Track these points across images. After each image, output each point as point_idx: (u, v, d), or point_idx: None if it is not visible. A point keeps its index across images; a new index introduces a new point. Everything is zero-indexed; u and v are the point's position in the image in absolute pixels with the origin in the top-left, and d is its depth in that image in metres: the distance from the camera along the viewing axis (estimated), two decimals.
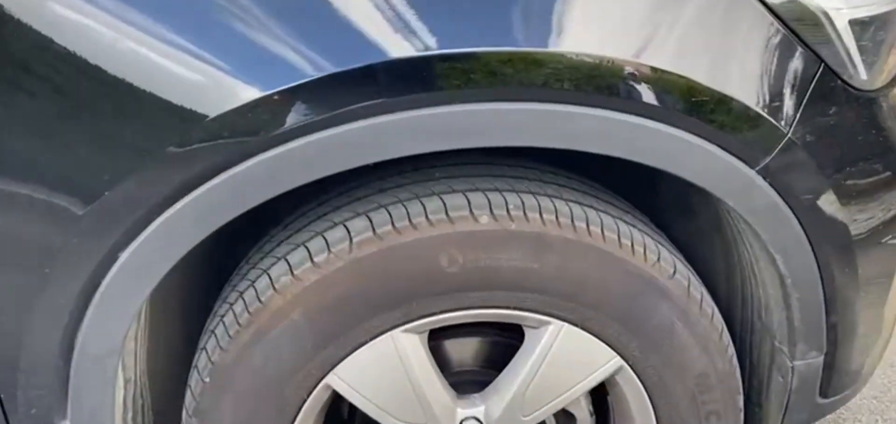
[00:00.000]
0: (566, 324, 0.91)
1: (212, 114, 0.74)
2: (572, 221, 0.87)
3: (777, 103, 0.84)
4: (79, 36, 0.72)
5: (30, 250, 0.78)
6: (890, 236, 0.96)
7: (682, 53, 0.81)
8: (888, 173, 0.94)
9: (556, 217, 0.87)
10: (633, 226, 0.92)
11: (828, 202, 0.89)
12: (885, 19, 0.91)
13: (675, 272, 0.92)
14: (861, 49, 0.89)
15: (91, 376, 0.85)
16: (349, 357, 0.90)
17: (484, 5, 0.78)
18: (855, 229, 0.92)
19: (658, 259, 0.91)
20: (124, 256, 0.79)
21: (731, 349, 0.97)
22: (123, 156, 0.75)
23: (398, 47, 0.75)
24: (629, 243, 0.89)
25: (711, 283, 1.03)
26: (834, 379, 1.02)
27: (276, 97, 0.74)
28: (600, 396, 1.07)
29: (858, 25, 0.88)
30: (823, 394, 1.02)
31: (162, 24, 0.72)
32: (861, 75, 0.89)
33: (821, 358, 0.98)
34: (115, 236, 0.79)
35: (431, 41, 0.75)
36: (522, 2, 0.79)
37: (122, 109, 0.74)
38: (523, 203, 0.87)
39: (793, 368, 0.98)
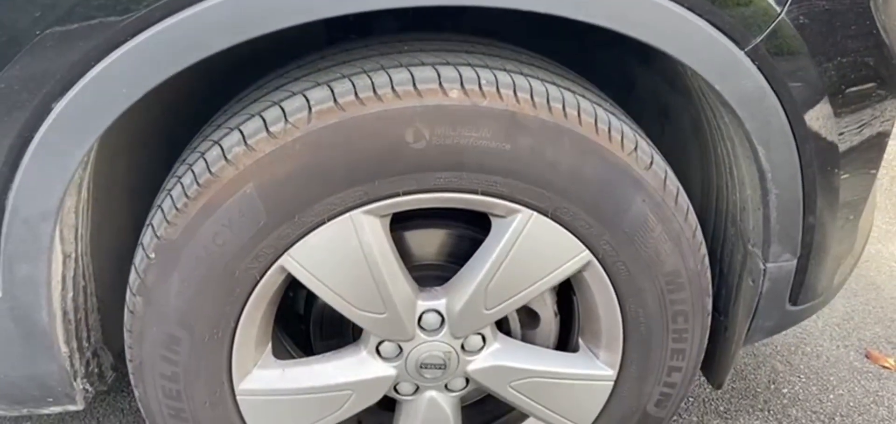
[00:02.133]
0: (536, 213, 0.86)
1: None
2: (547, 101, 0.82)
3: None
4: None
5: None
6: (870, 147, 0.93)
7: None
8: (879, 77, 0.90)
9: (531, 96, 0.82)
10: (611, 113, 0.87)
11: (816, 94, 0.85)
12: None
13: (651, 163, 0.87)
14: None
15: (24, 241, 0.79)
16: (305, 238, 0.84)
17: None
18: (841, 134, 0.88)
19: (635, 148, 0.86)
20: (59, 106, 0.72)
21: (704, 249, 0.94)
22: None
23: None
24: (606, 129, 0.85)
25: (688, 191, 1.00)
26: (805, 287, 0.99)
27: None
28: (566, 297, 1.04)
29: None
30: (793, 301, 1.00)
31: None
32: None
33: (794, 262, 0.96)
34: (48, 85, 0.71)
35: None
36: None
37: None
38: (497, 79, 0.81)
39: (765, 270, 0.95)
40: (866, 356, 1.52)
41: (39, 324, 0.85)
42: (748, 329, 1.02)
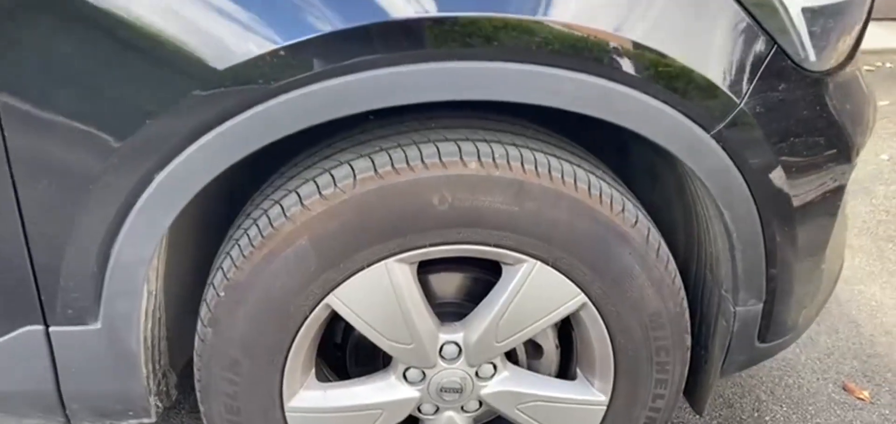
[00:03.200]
0: (539, 262, 1.04)
1: (245, 57, 0.85)
2: (549, 171, 1.00)
3: (732, 77, 0.96)
4: None
5: (76, 170, 0.89)
6: (825, 207, 1.10)
7: (654, 30, 0.93)
8: (831, 149, 1.07)
9: (535, 167, 0.99)
10: (603, 179, 1.04)
11: (773, 169, 1.02)
12: (836, 9, 1.03)
13: (636, 222, 1.04)
14: (812, 34, 1.01)
15: (123, 284, 0.97)
16: (347, 281, 1.02)
17: None
18: (796, 198, 1.05)
19: (622, 210, 1.04)
20: (158, 179, 0.91)
21: (682, 293, 1.11)
22: (160, 95, 0.86)
23: (401, 10, 0.86)
24: (598, 194, 1.02)
25: (673, 241, 1.17)
26: (771, 326, 1.16)
27: (284, 51, 0.85)
28: (565, 333, 1.21)
29: (810, 13, 1.01)
30: (761, 339, 1.17)
31: None
32: (811, 57, 1.02)
33: (760, 306, 1.12)
34: (149, 162, 0.90)
35: (432, 6, 0.87)
36: None
37: (160, 58, 0.85)
38: (507, 153, 0.99)
39: (735, 313, 1.12)
40: (844, 389, 1.66)
41: (129, 350, 1.03)
42: (723, 363, 1.18)
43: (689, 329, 1.13)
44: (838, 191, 1.11)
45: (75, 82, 0.87)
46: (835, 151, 1.08)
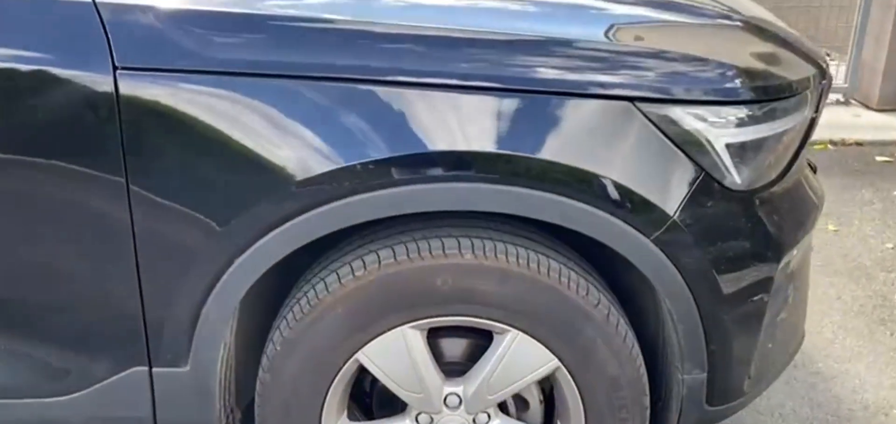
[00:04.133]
0: (521, 333, 1.33)
1: (305, 176, 1.20)
2: (528, 261, 1.30)
3: (666, 195, 1.26)
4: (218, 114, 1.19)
5: (182, 250, 1.25)
6: (754, 296, 1.36)
7: (602, 161, 1.24)
8: (757, 250, 1.34)
9: (517, 258, 1.30)
10: (571, 268, 1.33)
11: (704, 266, 1.30)
12: (758, 143, 1.32)
13: (598, 304, 1.33)
14: (735, 163, 1.30)
15: (208, 337, 1.31)
16: (372, 341, 1.33)
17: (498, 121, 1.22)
18: (726, 289, 1.32)
19: (587, 293, 1.32)
20: (239, 260, 1.25)
21: (640, 361, 1.38)
22: (246, 199, 1.22)
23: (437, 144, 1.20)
24: (567, 280, 1.31)
25: (644, 316, 1.44)
26: (716, 393, 1.41)
27: (348, 168, 1.20)
28: (550, 389, 1.49)
29: (733, 147, 1.30)
30: (710, 403, 1.42)
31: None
32: (736, 181, 1.31)
33: (704, 375, 1.38)
34: (227, 254, 1.25)
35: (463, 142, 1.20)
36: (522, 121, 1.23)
37: (251, 172, 1.20)
38: (495, 247, 1.30)
39: (683, 380, 1.38)
40: None
41: (209, 389, 1.36)
42: (679, 421, 1.43)
43: (646, 391, 1.40)
44: (766, 282, 1.36)
45: (187, 184, 1.22)
46: (761, 251, 1.35)
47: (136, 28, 1.18)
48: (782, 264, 1.39)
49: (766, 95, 1.31)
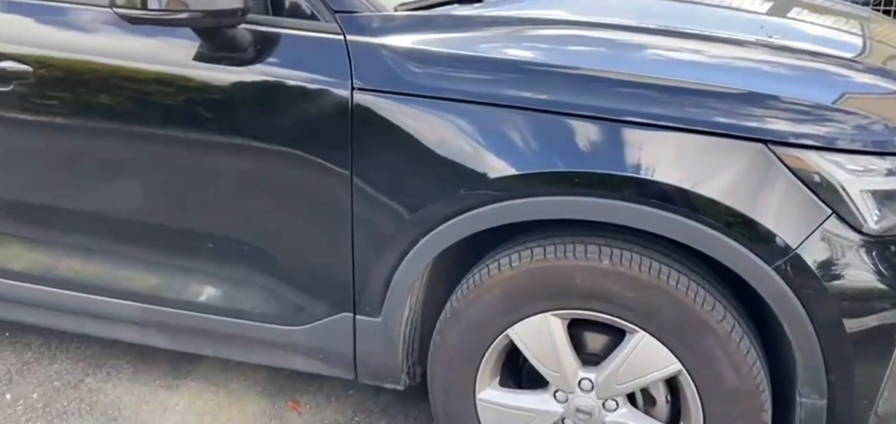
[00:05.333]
0: (648, 334, 1.54)
1: (494, 176, 1.52)
2: (658, 274, 1.51)
3: (790, 228, 1.39)
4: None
5: (384, 227, 1.64)
6: (880, 335, 1.42)
7: (737, 194, 1.41)
8: (882, 292, 1.41)
9: (649, 269, 1.51)
10: (700, 285, 1.51)
11: (826, 300, 1.40)
12: (891, 193, 1.40)
13: (722, 319, 1.49)
14: (870, 208, 1.39)
15: (396, 297, 1.70)
16: (521, 322, 1.62)
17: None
18: (849, 325, 1.41)
19: (712, 308, 1.49)
20: (424, 239, 1.62)
21: (761, 378, 1.51)
22: (439, 191, 1.57)
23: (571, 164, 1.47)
24: (694, 295, 1.50)
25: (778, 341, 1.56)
26: (838, 422, 1.49)
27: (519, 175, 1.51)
28: (676, 391, 1.66)
29: (869, 193, 1.39)
30: None
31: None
32: (869, 224, 1.40)
33: (823, 402, 1.47)
34: (416, 234, 1.62)
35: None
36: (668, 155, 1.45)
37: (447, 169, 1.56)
38: (631, 257, 1.52)
39: (801, 403, 1.49)
40: None
41: (394, 338, 1.75)
42: None
43: (765, 408, 1.52)
44: (890, 328, 1.42)
45: (391, 180, 1.61)
46: (891, 294, 1.41)
47: (370, 58, 1.60)
48: None
49: None
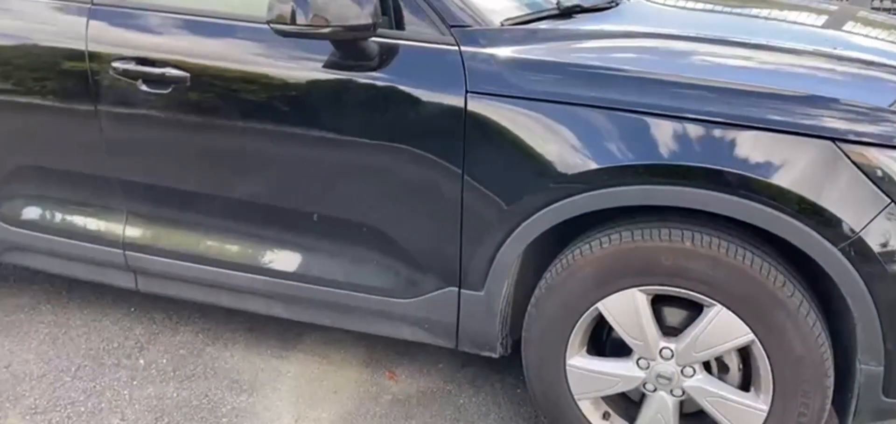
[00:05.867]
0: (724, 308, 1.76)
1: (585, 169, 1.77)
2: (735, 255, 1.73)
3: (855, 215, 1.61)
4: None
5: (489, 215, 1.90)
6: None
7: (808, 184, 1.63)
8: None
9: (726, 250, 1.73)
10: (772, 265, 1.73)
11: (885, 278, 1.61)
12: None
13: (792, 295, 1.71)
14: None
15: (497, 275, 1.95)
16: (610, 296, 1.86)
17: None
18: None
19: (783, 285, 1.71)
20: (524, 224, 1.88)
21: (825, 348, 1.72)
22: (534, 184, 1.83)
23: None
24: (767, 273, 1.72)
25: (841, 313, 1.76)
26: (894, 383, 1.69)
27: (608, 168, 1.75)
28: (748, 360, 1.88)
29: None
30: (886, 394, 1.70)
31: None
32: None
33: (881, 369, 1.68)
34: (519, 217, 1.88)
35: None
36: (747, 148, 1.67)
37: (538, 164, 1.82)
38: (710, 240, 1.75)
39: (861, 370, 1.69)
40: None
41: (494, 311, 2.00)
42: (857, 404, 1.74)
43: (828, 374, 1.73)
44: None
45: (495, 171, 1.87)
46: None
47: (482, 66, 1.86)
48: None
49: None
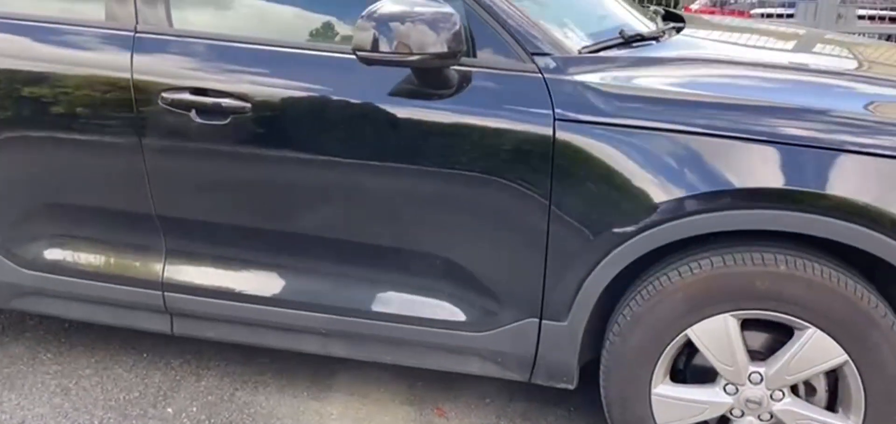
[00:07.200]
0: (818, 330, 1.78)
1: (682, 195, 1.76)
2: (829, 277, 1.75)
3: None
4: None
5: (574, 248, 1.86)
6: None
7: (881, 197, 1.68)
8: None
9: (821, 273, 1.76)
10: (863, 286, 1.76)
11: None
12: None
13: (885, 315, 1.75)
14: None
15: (582, 306, 1.91)
16: (700, 322, 1.85)
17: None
18: None
19: (876, 306, 1.75)
20: (611, 254, 1.85)
21: None
22: (618, 217, 1.81)
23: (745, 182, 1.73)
24: (860, 294, 1.75)
25: None
26: None
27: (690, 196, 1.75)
28: (833, 381, 1.90)
29: None
30: None
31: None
32: None
33: None
34: (609, 246, 1.85)
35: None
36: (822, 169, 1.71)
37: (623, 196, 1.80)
38: (803, 264, 1.77)
39: None
40: None
41: (576, 339, 1.96)
42: None
43: None
44: None
45: (585, 198, 1.84)
46: None
47: (568, 92, 1.84)
48: None
49: None
